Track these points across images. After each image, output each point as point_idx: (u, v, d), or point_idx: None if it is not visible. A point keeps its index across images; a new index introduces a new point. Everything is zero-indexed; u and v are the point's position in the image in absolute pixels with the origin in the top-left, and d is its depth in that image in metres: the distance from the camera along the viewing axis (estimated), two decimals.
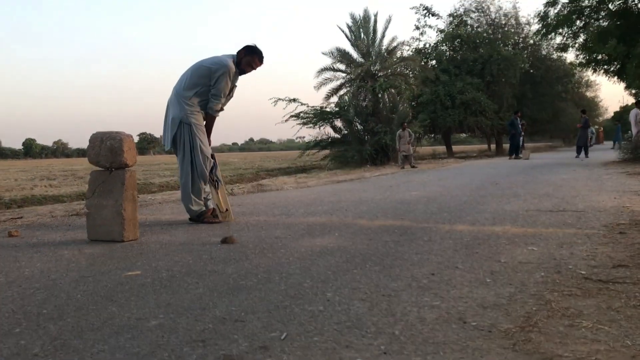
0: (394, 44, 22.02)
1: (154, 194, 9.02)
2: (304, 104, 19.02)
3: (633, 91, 28.06)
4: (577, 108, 33.96)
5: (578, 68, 21.24)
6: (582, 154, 18.66)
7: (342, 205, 5.98)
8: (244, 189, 8.85)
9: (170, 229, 4.48)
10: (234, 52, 4.85)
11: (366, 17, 21.25)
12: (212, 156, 4.88)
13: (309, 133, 20.46)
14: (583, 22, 17.15)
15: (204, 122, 4.83)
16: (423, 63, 25.87)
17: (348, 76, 21.80)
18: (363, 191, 7.89)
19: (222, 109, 4.92)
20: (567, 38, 18.14)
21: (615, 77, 18.57)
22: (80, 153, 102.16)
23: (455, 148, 34.76)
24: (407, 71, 23.02)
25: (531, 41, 30.45)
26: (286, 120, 19.04)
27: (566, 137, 54.04)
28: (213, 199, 4.88)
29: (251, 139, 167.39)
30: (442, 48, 28.29)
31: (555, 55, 30.95)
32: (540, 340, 1.73)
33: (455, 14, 29.38)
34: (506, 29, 29.87)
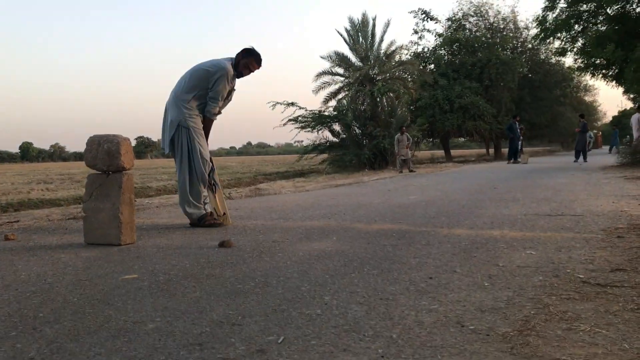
0: (393, 48, 22.04)
1: (152, 198, 9.00)
2: (302, 108, 19.03)
3: (631, 95, 28.15)
4: (575, 112, 33.98)
5: (576, 72, 21.25)
6: (581, 158, 18.68)
7: (340, 209, 5.98)
8: (242, 193, 8.84)
9: (168, 232, 4.47)
10: (232, 55, 4.85)
11: (365, 21, 21.27)
12: (210, 160, 4.87)
13: (307, 137, 20.49)
14: (581, 27, 17.19)
15: (202, 125, 4.82)
16: (421, 67, 25.90)
17: (346, 80, 21.80)
18: (361, 195, 7.89)
19: (219, 112, 4.92)
20: (565, 42, 18.17)
21: (614, 82, 18.57)
22: (77, 157, 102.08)
23: (453, 152, 34.82)
24: (406, 75, 23.04)
25: (529, 45, 30.53)
26: (284, 124, 19.05)
27: (565, 142, 54.10)
28: (210, 202, 4.87)
29: (249, 143, 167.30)
30: (441, 52, 28.35)
31: (554, 59, 31.00)
32: (538, 344, 1.73)
33: (453, 18, 29.46)
34: (505, 33, 29.92)
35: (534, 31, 23.76)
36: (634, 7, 15.96)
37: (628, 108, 47.98)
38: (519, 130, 20.27)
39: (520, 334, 1.82)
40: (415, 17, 28.49)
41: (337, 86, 22.17)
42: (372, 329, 1.91)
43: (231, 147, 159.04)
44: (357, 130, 19.53)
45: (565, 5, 16.80)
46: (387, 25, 21.65)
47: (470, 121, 25.46)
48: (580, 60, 18.45)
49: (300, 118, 19.01)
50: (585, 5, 16.53)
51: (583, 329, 1.86)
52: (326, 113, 19.71)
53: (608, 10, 16.21)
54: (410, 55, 27.40)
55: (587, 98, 48.89)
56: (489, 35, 29.18)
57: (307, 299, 2.32)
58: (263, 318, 2.06)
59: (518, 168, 15.76)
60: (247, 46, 4.85)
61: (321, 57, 22.02)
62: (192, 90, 4.71)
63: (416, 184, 10.03)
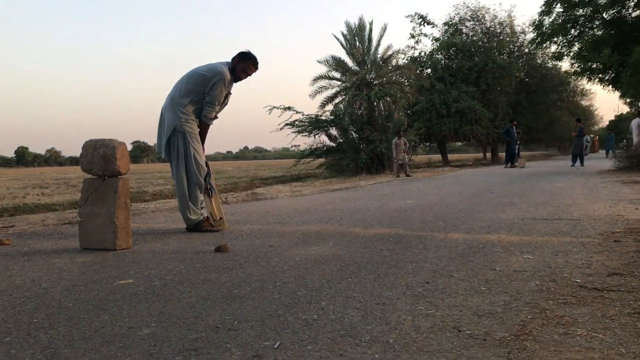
0: (390, 52, 22.09)
1: (148, 203, 8.98)
2: (299, 112, 19.04)
3: (628, 100, 28.21)
4: (572, 116, 34.11)
5: (573, 77, 21.30)
6: (578, 162, 18.71)
7: (337, 213, 5.97)
8: (238, 198, 8.83)
9: (164, 237, 4.46)
10: (229, 60, 4.84)
11: (361, 26, 21.30)
12: (206, 164, 4.87)
13: (304, 141, 20.39)
14: (578, 31, 17.26)
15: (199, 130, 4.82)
16: (418, 71, 25.92)
17: (343, 84, 21.83)
18: (358, 199, 7.89)
19: (216, 117, 4.91)
20: (562, 47, 18.23)
21: (610, 86, 18.63)
22: (73, 161, 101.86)
23: (450, 156, 34.83)
24: (403, 79, 23.09)
25: (526, 50, 30.60)
26: (281, 129, 19.03)
27: (561, 146, 54.25)
28: (207, 207, 4.86)
29: (246, 147, 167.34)
30: (438, 56, 28.38)
31: (551, 63, 31.08)
32: (535, 349, 1.72)
33: (450, 23, 29.52)
34: (501, 37, 30.01)
35: (530, 35, 23.90)
36: (630, 11, 16.04)
37: (624, 112, 48.10)
38: (516, 135, 20.30)
39: (517, 339, 1.81)
40: (412, 21, 28.52)
41: (334, 90, 22.21)
42: (369, 334, 1.91)
43: (228, 152, 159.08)
44: (354, 135, 19.53)
45: (561, 10, 16.87)
46: (384, 29, 21.71)
47: (467, 125, 25.50)
48: (576, 65, 18.52)
49: (297, 122, 19.01)
50: (581, 10, 16.61)
51: (580, 334, 1.85)
52: (323, 117, 19.72)
53: (604, 14, 16.28)
54: (407, 59, 27.46)
55: (584, 102, 49.08)
56: (485, 40, 29.24)
57: (303, 303, 2.31)
58: (259, 323, 2.05)
59: (515, 172, 15.78)
60: (243, 50, 4.85)
61: (318, 62, 22.08)
62: (189, 94, 4.70)
63: (413, 189, 10.04)
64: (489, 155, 35.01)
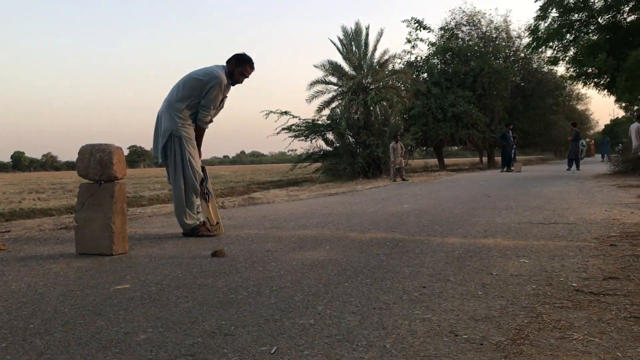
0: (386, 56, 22.08)
1: (144, 207, 8.96)
2: (296, 117, 19.03)
3: (623, 104, 28.34)
4: (568, 121, 34.15)
5: (568, 81, 21.38)
6: (574, 166, 18.76)
7: (333, 218, 5.97)
8: (235, 202, 8.82)
9: (160, 242, 4.45)
10: (224, 63, 4.84)
11: (358, 30, 21.31)
12: (203, 169, 4.86)
13: (301, 146, 20.50)
14: (573, 36, 17.33)
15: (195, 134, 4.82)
16: (415, 76, 25.96)
17: (340, 89, 21.82)
18: (355, 204, 7.89)
19: (211, 121, 4.91)
20: (557, 51, 18.31)
21: (605, 91, 18.70)
22: (69, 166, 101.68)
23: (447, 161, 34.90)
24: (399, 84, 23.09)
25: (522, 54, 30.70)
26: (278, 133, 19.02)
27: (557, 150, 54.39)
28: (203, 211, 4.85)
29: (242, 152, 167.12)
30: (434, 61, 28.43)
31: (546, 68, 31.18)
32: (532, 353, 1.73)
33: (446, 28, 29.58)
34: (497, 42, 30.07)
35: (526, 40, 23.96)
36: (625, 16, 16.12)
37: (620, 117, 48.31)
38: (512, 139, 20.35)
39: (514, 343, 1.81)
40: (408, 26, 28.57)
41: (330, 95, 22.19)
42: (366, 338, 1.91)
43: (224, 156, 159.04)
44: (351, 139, 19.53)
45: (557, 15, 16.95)
46: (380, 34, 21.71)
47: (463, 130, 25.55)
48: (572, 69, 18.59)
49: (293, 127, 19.00)
50: (576, 15, 16.69)
51: (576, 338, 1.86)
52: (320, 122, 19.72)
53: (599, 19, 16.36)
54: (403, 64, 27.48)
55: (580, 106, 49.28)
56: (481, 45, 29.31)
57: (300, 308, 2.31)
58: (256, 328, 2.05)
59: (511, 176, 15.81)
60: (238, 53, 4.85)
61: (314, 66, 22.05)
62: (185, 99, 4.70)
63: (409, 193, 10.04)
64: (485, 159, 35.05)
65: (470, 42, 29.26)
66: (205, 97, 4.68)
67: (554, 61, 18.98)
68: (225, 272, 3.11)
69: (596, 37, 16.60)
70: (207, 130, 4.94)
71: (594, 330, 1.93)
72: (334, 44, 21.49)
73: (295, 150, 21.00)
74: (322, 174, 19.71)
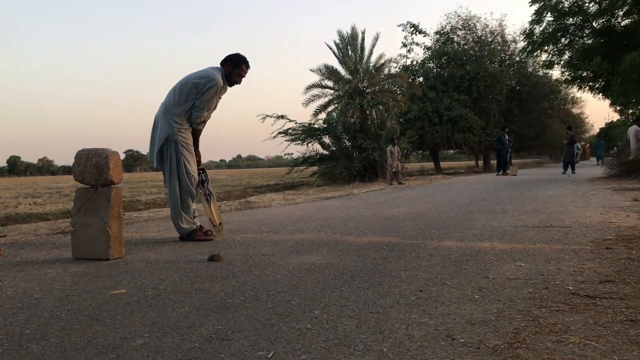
0: (382, 61, 22.13)
1: (141, 212, 8.95)
2: (292, 121, 19.06)
3: (618, 108, 28.45)
4: (563, 124, 34.31)
5: (564, 85, 21.46)
6: (569, 170, 18.81)
7: (330, 221, 5.97)
8: (232, 206, 8.81)
9: (157, 246, 4.45)
10: (217, 65, 4.84)
11: (354, 35, 21.35)
12: (203, 170, 4.87)
13: (297, 150, 20.41)
14: (568, 40, 17.42)
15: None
16: (410, 80, 26.01)
17: (336, 93, 21.84)
18: (351, 207, 7.89)
19: (204, 122, 4.87)
20: (552, 55, 18.39)
21: (600, 94, 18.79)
22: (65, 170, 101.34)
23: (443, 164, 34.92)
24: (395, 88, 23.14)
25: (517, 58, 30.82)
26: (274, 137, 19.04)
27: (553, 153, 54.54)
28: (206, 213, 4.86)
29: (239, 156, 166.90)
30: (429, 65, 28.50)
31: (541, 72, 31.33)
32: (529, 357, 1.73)
33: (442, 32, 29.68)
34: (492, 46, 30.21)
35: (521, 44, 24.10)
36: (619, 20, 16.21)
37: (615, 120, 48.48)
38: (507, 143, 20.40)
39: (511, 347, 1.82)
40: (404, 30, 28.66)
41: (326, 99, 22.22)
42: (363, 343, 1.91)
43: (221, 160, 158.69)
44: (347, 143, 19.57)
45: (551, 19, 17.03)
46: (376, 38, 21.77)
47: (459, 133, 25.61)
48: (567, 73, 18.68)
49: (290, 131, 19.03)
50: (571, 19, 16.78)
51: (573, 341, 1.86)
52: (316, 126, 19.75)
53: (594, 23, 16.44)
54: (399, 68, 27.57)
55: (575, 110, 49.45)
56: (477, 49, 29.42)
57: (297, 313, 2.31)
58: (253, 333, 2.05)
59: (507, 180, 15.84)
60: (231, 54, 4.84)
61: (311, 70, 22.07)
62: (182, 103, 4.69)
63: (406, 196, 10.05)
64: (480, 163, 35.13)
65: (466, 46, 29.38)
66: (200, 98, 4.67)
67: (549, 65, 19.07)
68: (222, 277, 3.11)
69: (591, 41, 16.69)
70: (203, 132, 4.93)
71: (590, 334, 1.94)
72: (330, 48, 21.55)
73: (292, 154, 21.00)
74: (318, 177, 19.72)
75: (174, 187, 4.68)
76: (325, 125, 19.57)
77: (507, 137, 20.62)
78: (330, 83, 22.03)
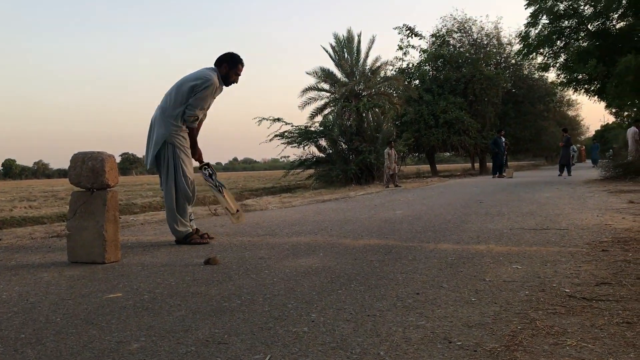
0: (378, 63, 22.14)
1: (136, 215, 8.92)
2: (289, 124, 19.03)
3: (613, 110, 28.53)
4: (559, 127, 34.33)
5: (559, 87, 21.56)
6: (565, 172, 18.86)
7: (326, 224, 5.97)
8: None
9: (153, 250, 4.44)
10: (212, 65, 4.83)
11: (350, 38, 21.37)
12: (208, 165, 4.89)
13: (294, 152, 20.50)
14: (563, 42, 17.49)
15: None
16: (406, 83, 26.05)
17: (332, 96, 21.85)
18: (348, 210, 7.89)
19: (196, 119, 4.82)
20: (548, 58, 18.48)
21: (596, 97, 18.87)
22: (61, 174, 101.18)
23: (439, 167, 34.97)
24: (391, 91, 23.15)
25: (513, 61, 30.87)
26: (270, 140, 19.00)
27: (549, 156, 54.63)
28: (221, 203, 4.92)
29: (235, 159, 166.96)
30: (425, 68, 28.53)
31: (537, 74, 31.37)
32: (526, 359, 1.73)
33: (437, 34, 29.70)
34: (488, 49, 30.24)
35: (517, 47, 24.15)
36: (614, 23, 16.28)
37: (610, 122, 48.64)
38: (503, 145, 20.45)
39: (508, 350, 1.82)
40: (399, 33, 28.66)
41: (323, 102, 22.22)
42: (360, 346, 1.90)
43: (217, 163, 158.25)
44: (344, 146, 19.55)
45: (547, 22, 17.11)
46: (372, 41, 21.77)
47: (455, 136, 25.63)
48: (562, 76, 18.76)
49: (286, 134, 19.00)
50: (566, 22, 16.85)
51: (570, 344, 1.86)
52: (312, 128, 19.72)
53: (589, 26, 16.51)
54: (395, 71, 27.57)
55: (570, 112, 49.58)
56: (472, 51, 29.47)
57: (293, 316, 2.31)
58: (249, 336, 2.04)
59: (503, 182, 15.87)
60: (225, 53, 4.83)
61: (307, 73, 22.06)
62: (179, 106, 4.68)
63: (402, 199, 10.06)
64: (477, 165, 35.17)
65: (462, 49, 29.41)
66: (195, 96, 4.65)
67: (545, 67, 19.16)
68: (219, 280, 3.10)
69: (586, 43, 16.77)
70: (199, 134, 4.92)
71: (587, 336, 1.94)
72: (326, 51, 21.55)
73: (288, 157, 20.96)
74: (314, 180, 19.70)
75: (170, 190, 4.67)
76: (321, 128, 19.56)
77: (503, 139, 20.66)
78: (326, 86, 22.03)
